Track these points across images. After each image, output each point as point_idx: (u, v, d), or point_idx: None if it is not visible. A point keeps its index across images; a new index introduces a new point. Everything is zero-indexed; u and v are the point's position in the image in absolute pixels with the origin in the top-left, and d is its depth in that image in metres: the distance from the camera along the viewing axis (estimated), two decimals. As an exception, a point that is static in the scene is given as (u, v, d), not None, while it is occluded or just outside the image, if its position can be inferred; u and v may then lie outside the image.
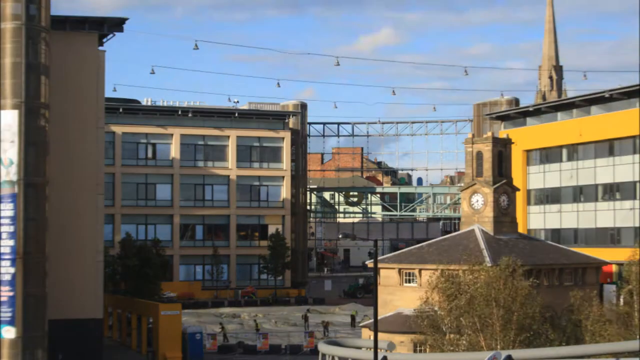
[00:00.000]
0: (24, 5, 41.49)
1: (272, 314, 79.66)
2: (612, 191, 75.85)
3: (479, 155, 57.01)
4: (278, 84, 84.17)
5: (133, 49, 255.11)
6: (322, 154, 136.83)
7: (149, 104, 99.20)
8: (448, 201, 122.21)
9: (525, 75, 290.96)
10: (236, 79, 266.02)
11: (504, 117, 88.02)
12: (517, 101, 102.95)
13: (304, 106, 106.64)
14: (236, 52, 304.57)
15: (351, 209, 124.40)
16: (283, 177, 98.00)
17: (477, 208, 56.39)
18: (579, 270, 55.75)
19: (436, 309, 43.19)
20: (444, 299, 42.56)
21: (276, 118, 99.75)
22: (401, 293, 52.89)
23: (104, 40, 52.12)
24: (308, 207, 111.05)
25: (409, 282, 53.25)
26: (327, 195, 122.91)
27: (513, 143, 59.90)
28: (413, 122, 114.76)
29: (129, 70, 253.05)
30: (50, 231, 42.82)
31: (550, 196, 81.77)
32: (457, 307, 41.32)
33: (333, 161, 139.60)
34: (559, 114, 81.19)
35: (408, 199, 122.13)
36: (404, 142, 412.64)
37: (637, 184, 72.49)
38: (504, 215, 56.60)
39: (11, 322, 40.85)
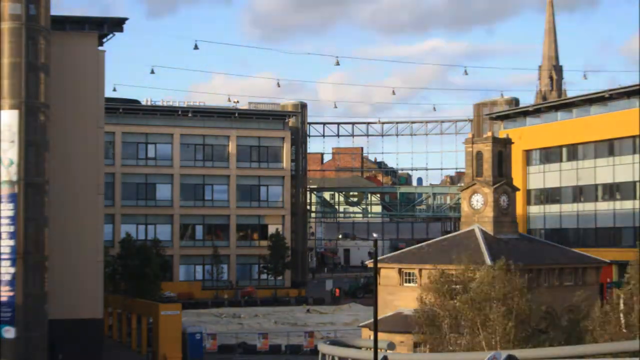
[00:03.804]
0: (24, 5, 41.46)
1: (272, 314, 79.67)
2: (612, 191, 75.90)
3: (479, 155, 57.00)
4: (278, 83, 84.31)
5: (133, 49, 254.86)
6: (322, 154, 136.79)
7: (149, 104, 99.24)
8: (448, 201, 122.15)
9: (525, 75, 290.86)
10: (236, 79, 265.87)
11: (504, 117, 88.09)
12: (517, 101, 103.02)
13: (304, 106, 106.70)
14: (236, 51, 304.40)
15: (351, 209, 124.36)
16: (283, 177, 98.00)
17: (477, 208, 56.40)
18: (579, 270, 55.75)
19: (436, 309, 43.21)
20: (441, 298, 42.60)
21: (276, 118, 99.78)
22: (401, 293, 52.88)
23: (104, 40, 52.12)
24: (308, 207, 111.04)
25: (409, 282, 53.25)
26: (327, 195, 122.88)
27: (513, 143, 59.93)
28: (413, 122, 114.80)
29: (129, 70, 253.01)
30: (51, 231, 42.80)
31: (550, 196, 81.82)
32: (454, 307, 41.34)
33: (333, 161, 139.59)
34: (559, 114, 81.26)
35: (408, 199, 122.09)
36: (404, 142, 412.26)
37: (637, 184, 72.53)
38: (504, 215, 56.60)
39: (11, 322, 40.82)
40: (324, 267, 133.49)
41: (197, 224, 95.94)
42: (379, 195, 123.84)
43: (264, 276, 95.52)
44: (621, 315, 39.54)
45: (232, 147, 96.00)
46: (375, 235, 41.31)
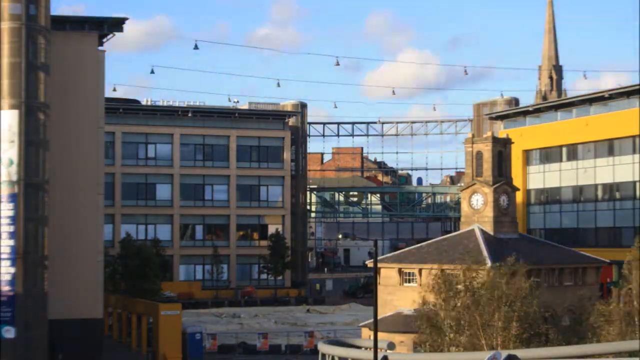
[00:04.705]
0: (24, 5, 41.46)
1: (272, 314, 79.69)
2: (612, 191, 75.92)
3: (479, 155, 57.01)
4: (278, 83, 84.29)
5: (133, 49, 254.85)
6: (322, 154, 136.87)
7: (149, 104, 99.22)
8: (448, 201, 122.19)
9: (525, 75, 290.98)
10: (236, 79, 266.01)
11: (503, 117, 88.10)
12: (517, 101, 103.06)
13: (303, 106, 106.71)
14: (236, 51, 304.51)
15: (351, 209, 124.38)
16: (283, 177, 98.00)
17: (477, 208, 56.41)
18: (579, 270, 55.77)
19: (436, 309, 43.17)
20: (441, 299, 42.56)
21: (276, 118, 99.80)
22: (401, 293, 52.89)
23: (104, 40, 52.12)
24: (308, 207, 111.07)
25: (409, 282, 53.26)
26: (327, 195, 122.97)
27: (513, 143, 59.95)
28: (413, 122, 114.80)
29: (129, 70, 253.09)
30: (50, 231, 42.80)
31: (550, 196, 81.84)
32: (456, 307, 41.31)
33: (333, 161, 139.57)
34: (559, 114, 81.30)
35: (408, 199, 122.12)
36: (404, 142, 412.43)
37: (637, 184, 72.57)
38: (504, 215, 56.61)
39: (11, 322, 40.83)
40: (324, 267, 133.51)
41: (197, 224, 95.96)
42: (379, 195, 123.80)
43: (264, 276, 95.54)
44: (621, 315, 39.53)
45: (232, 147, 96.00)
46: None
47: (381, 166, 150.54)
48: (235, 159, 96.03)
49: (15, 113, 41.36)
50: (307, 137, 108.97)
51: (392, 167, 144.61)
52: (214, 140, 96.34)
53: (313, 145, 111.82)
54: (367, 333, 51.23)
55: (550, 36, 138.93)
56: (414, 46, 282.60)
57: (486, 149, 56.74)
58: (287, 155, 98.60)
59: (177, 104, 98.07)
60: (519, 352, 34.20)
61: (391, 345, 42.23)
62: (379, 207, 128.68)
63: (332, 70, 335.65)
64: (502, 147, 57.58)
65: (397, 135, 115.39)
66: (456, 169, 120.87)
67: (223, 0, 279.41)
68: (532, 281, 41.23)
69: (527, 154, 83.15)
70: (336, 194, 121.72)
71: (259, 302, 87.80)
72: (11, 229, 41.03)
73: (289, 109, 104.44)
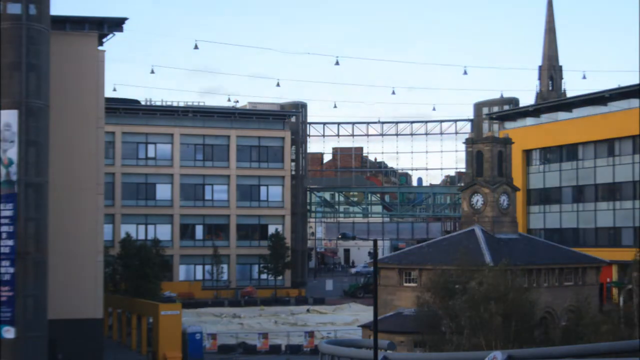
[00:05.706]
0: (24, 5, 41.45)
1: (272, 314, 79.64)
2: (612, 191, 75.91)
3: (479, 155, 57.05)
4: (278, 83, 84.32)
5: (133, 49, 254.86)
6: (322, 154, 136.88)
7: (149, 104, 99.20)
8: (448, 201, 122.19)
9: (525, 75, 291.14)
10: (237, 79, 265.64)
11: (504, 117, 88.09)
12: (517, 101, 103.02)
13: (303, 106, 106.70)
14: (237, 51, 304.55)
15: (351, 209, 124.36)
16: (283, 177, 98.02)
17: (477, 208, 56.43)
18: (579, 270, 55.79)
19: (435, 309, 43.24)
20: (440, 299, 42.65)
21: (276, 118, 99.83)
22: (401, 293, 52.92)
23: (104, 40, 52.10)
24: (308, 207, 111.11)
25: (409, 282, 53.28)
26: (327, 195, 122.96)
27: (513, 143, 59.97)
28: (413, 122, 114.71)
29: (129, 70, 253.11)
30: (50, 231, 42.78)
31: (550, 196, 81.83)
32: (455, 307, 41.37)
33: (333, 161, 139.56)
34: (559, 114, 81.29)
35: (408, 199, 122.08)
36: (404, 142, 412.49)
37: (637, 184, 72.57)
38: (504, 215, 56.65)
39: (11, 322, 40.80)
40: (324, 268, 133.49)
41: (197, 224, 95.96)
42: (379, 195, 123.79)
43: (264, 276, 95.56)
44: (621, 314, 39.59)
45: (232, 147, 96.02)
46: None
47: (381, 166, 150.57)
48: (235, 159, 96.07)
49: (15, 113, 41.34)
50: (307, 137, 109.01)
51: (392, 167, 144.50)
52: (214, 140, 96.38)
53: (313, 145, 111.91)
54: (367, 333, 51.24)
55: (551, 36, 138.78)
56: (414, 46, 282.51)
57: (486, 149, 56.80)
58: (287, 155, 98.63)
59: (177, 104, 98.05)
60: (518, 352, 34.24)
61: (391, 345, 42.27)
62: (379, 207, 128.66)
63: (332, 70, 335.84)
64: (502, 147, 57.63)
65: (397, 135, 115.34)
66: (456, 169, 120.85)
67: (223, 0, 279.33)
68: (525, 279, 41.33)
69: (527, 154, 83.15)
70: (336, 194, 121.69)
71: (259, 302, 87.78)
72: (11, 229, 41.00)
73: (289, 109, 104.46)
